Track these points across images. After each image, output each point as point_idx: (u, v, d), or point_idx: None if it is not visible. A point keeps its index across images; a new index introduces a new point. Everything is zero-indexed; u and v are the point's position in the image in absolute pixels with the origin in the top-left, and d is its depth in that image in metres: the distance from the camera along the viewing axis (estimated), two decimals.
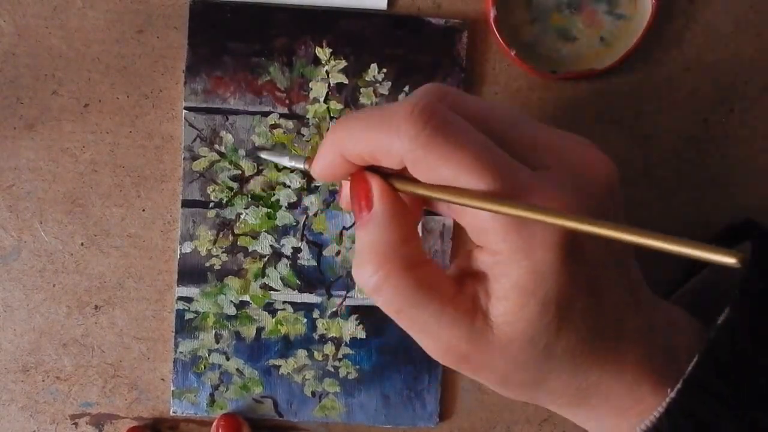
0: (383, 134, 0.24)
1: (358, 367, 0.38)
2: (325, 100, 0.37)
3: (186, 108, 0.36)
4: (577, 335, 0.25)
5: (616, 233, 0.21)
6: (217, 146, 0.37)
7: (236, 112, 0.37)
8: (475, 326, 0.25)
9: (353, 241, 0.37)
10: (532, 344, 0.24)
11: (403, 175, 0.26)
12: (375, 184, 0.26)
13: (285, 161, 0.33)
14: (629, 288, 0.26)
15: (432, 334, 0.25)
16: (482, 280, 0.25)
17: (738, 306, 0.26)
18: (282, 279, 0.37)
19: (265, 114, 0.37)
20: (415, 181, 0.25)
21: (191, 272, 0.37)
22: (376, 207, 0.26)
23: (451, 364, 0.26)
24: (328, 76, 0.37)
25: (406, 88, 0.37)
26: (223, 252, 0.37)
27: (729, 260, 0.19)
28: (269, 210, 0.37)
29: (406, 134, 0.23)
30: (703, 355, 0.26)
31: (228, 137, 0.37)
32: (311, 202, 0.37)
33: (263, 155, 0.36)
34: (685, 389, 0.25)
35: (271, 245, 0.37)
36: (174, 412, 0.37)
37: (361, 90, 0.37)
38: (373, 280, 0.25)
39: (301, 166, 0.31)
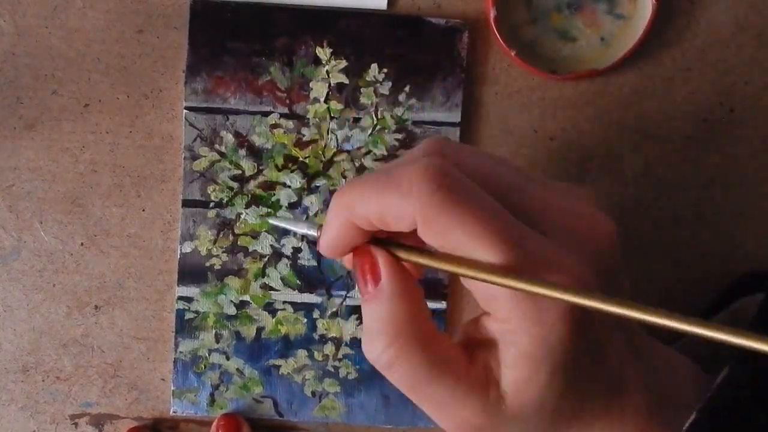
0: (394, 195, 0.23)
1: (358, 367, 0.38)
2: (326, 100, 0.37)
3: (186, 108, 0.36)
4: (581, 394, 0.25)
5: (637, 314, 0.21)
6: (217, 146, 0.37)
7: (236, 112, 0.37)
8: (489, 399, 0.24)
9: None
10: (542, 408, 0.24)
11: (407, 245, 0.25)
12: (381, 257, 0.25)
13: (299, 228, 0.30)
14: (628, 337, 0.26)
15: (446, 410, 0.25)
16: (491, 347, 0.25)
17: (740, 361, 0.26)
18: (282, 279, 0.37)
19: (266, 114, 0.37)
20: (421, 252, 0.25)
21: (191, 272, 0.37)
22: (384, 282, 0.25)
23: None
24: (328, 76, 0.37)
25: (407, 88, 0.37)
26: (223, 252, 0.37)
27: (765, 347, 0.18)
28: (269, 210, 0.37)
29: (418, 195, 0.23)
30: (700, 413, 0.26)
31: (228, 137, 0.37)
32: (311, 202, 0.37)
33: (273, 221, 0.33)
34: None
35: (271, 245, 0.37)
36: (174, 412, 0.37)
37: (362, 90, 0.37)
38: (385, 357, 0.24)
39: (313, 232, 0.29)
